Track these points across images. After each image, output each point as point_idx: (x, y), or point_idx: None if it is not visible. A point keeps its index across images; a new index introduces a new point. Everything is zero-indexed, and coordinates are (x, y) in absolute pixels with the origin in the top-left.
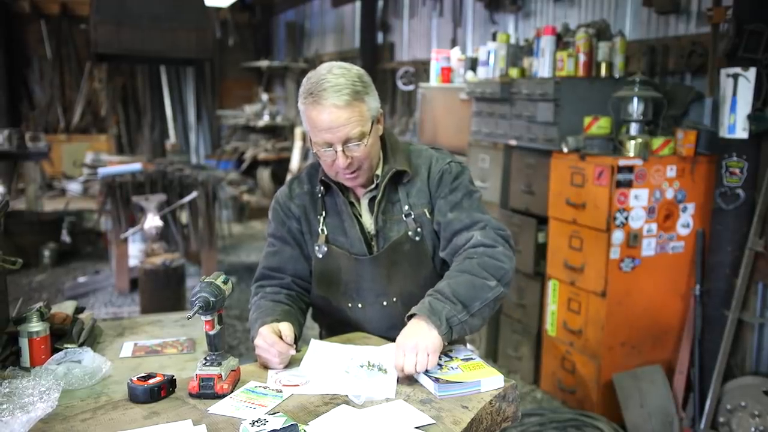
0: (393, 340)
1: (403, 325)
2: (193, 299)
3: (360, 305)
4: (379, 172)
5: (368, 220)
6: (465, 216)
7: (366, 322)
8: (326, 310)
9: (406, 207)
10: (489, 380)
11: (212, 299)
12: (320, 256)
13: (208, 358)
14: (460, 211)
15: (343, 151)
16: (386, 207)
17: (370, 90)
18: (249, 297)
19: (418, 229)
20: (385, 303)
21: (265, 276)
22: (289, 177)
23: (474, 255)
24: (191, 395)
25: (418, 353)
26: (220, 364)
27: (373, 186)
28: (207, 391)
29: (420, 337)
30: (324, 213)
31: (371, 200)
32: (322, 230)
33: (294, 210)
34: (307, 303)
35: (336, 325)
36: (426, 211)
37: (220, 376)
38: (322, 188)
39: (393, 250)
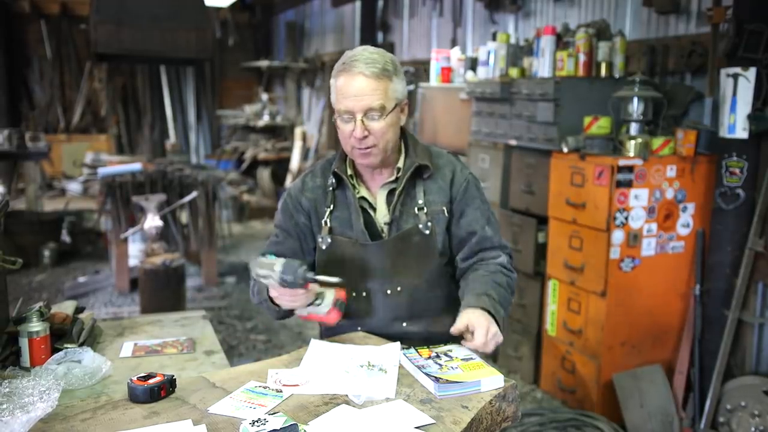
0: (395, 334)
1: (406, 317)
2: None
3: (364, 293)
4: (400, 165)
5: (383, 212)
6: (496, 238)
7: (369, 312)
8: None
9: (420, 201)
10: (489, 380)
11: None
12: (324, 247)
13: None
14: (492, 229)
15: (362, 121)
16: (405, 199)
17: (398, 74)
18: (249, 297)
19: (428, 223)
20: (389, 291)
21: None
22: (302, 172)
23: (503, 273)
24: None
25: (495, 339)
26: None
27: (392, 178)
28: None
29: (493, 325)
30: (332, 206)
31: (390, 192)
32: (326, 222)
33: (304, 204)
34: None
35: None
36: (444, 209)
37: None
38: (333, 181)
39: (401, 240)
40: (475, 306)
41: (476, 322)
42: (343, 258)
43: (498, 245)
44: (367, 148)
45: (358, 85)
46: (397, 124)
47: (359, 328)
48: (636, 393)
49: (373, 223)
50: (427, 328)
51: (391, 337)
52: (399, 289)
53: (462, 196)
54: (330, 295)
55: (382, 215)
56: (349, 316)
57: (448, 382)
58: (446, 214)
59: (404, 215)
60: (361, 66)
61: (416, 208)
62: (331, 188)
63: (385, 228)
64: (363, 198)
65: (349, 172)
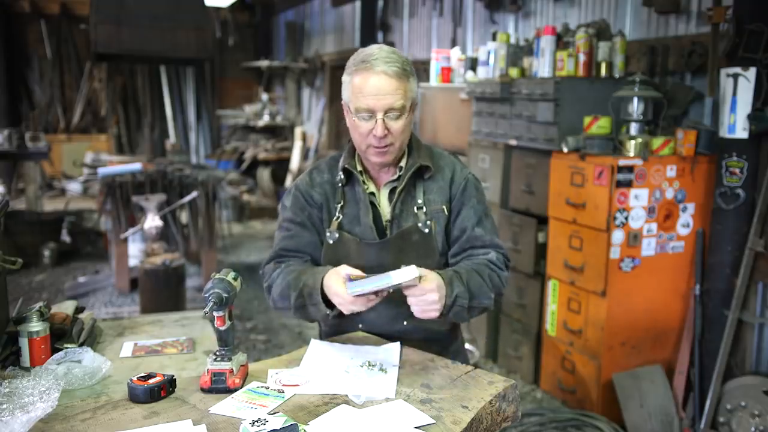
0: (394, 332)
1: (406, 316)
2: (207, 296)
3: None
4: (402, 164)
5: (386, 209)
6: (488, 237)
7: (370, 310)
8: None
9: (420, 201)
10: (400, 272)
11: (225, 295)
12: (331, 242)
13: (218, 353)
14: (484, 228)
15: (383, 120)
16: (405, 198)
17: (413, 74)
18: (249, 296)
19: (428, 222)
20: (391, 290)
21: (282, 255)
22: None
23: (488, 266)
24: (203, 390)
25: (430, 304)
26: (230, 359)
27: (395, 177)
28: (219, 386)
29: (440, 294)
30: (342, 202)
31: (392, 190)
32: (337, 217)
33: (316, 198)
34: None
35: (338, 317)
36: (444, 208)
37: (231, 371)
38: (343, 177)
39: (401, 238)
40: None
41: (428, 281)
42: (347, 255)
43: (489, 244)
44: (385, 146)
45: (380, 84)
46: (411, 124)
47: (360, 326)
48: (636, 393)
49: (379, 219)
50: (427, 326)
51: (391, 335)
52: None
53: (460, 195)
54: (242, 357)
55: (385, 213)
56: (350, 317)
57: (358, 278)
58: (446, 213)
59: (404, 213)
60: (382, 65)
61: (415, 207)
62: (340, 184)
63: (387, 226)
64: (371, 194)
65: (359, 168)
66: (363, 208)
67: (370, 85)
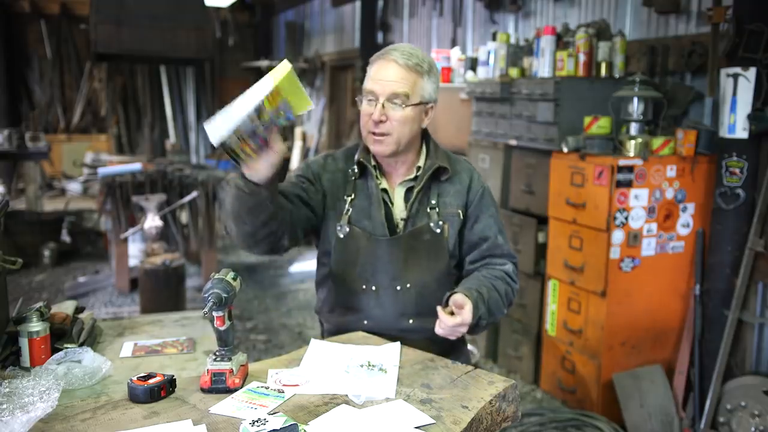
0: (400, 330)
1: (412, 314)
2: (206, 296)
3: (374, 287)
4: (420, 164)
5: (400, 207)
6: (506, 247)
7: (377, 307)
8: (339, 291)
9: (434, 202)
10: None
11: (224, 295)
12: (341, 236)
13: (218, 353)
14: (504, 238)
15: (383, 105)
16: (422, 198)
17: (431, 75)
18: (248, 296)
19: (440, 222)
20: (398, 288)
21: None
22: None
23: (504, 280)
24: (203, 390)
25: (453, 333)
26: (230, 359)
27: (412, 176)
28: (219, 386)
29: (464, 327)
30: (353, 195)
31: (408, 190)
32: (347, 211)
33: (324, 182)
34: (289, 221)
35: (343, 312)
36: (459, 212)
37: (231, 371)
38: (356, 169)
39: (413, 236)
40: (464, 294)
41: (466, 312)
42: (357, 249)
43: (507, 254)
44: (382, 134)
45: (388, 71)
46: (416, 122)
47: (366, 322)
48: (636, 393)
49: (391, 217)
50: (432, 325)
51: (396, 333)
52: (408, 285)
53: (478, 202)
54: (242, 357)
55: (398, 211)
56: (356, 310)
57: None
58: (461, 217)
59: (420, 213)
60: (396, 55)
61: (429, 208)
62: (353, 177)
63: (401, 224)
64: (384, 190)
65: (373, 162)
66: (375, 203)
67: (380, 71)
